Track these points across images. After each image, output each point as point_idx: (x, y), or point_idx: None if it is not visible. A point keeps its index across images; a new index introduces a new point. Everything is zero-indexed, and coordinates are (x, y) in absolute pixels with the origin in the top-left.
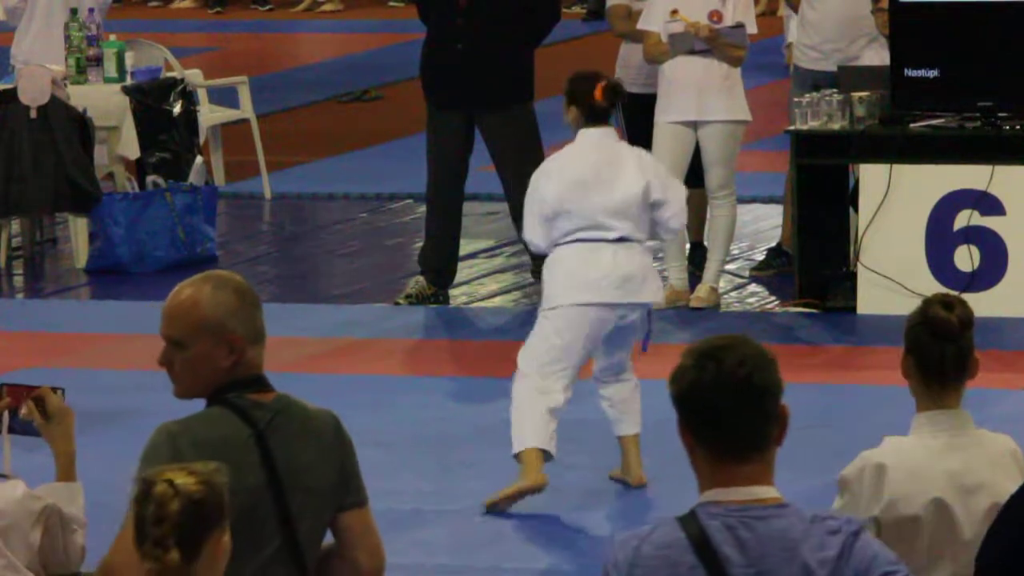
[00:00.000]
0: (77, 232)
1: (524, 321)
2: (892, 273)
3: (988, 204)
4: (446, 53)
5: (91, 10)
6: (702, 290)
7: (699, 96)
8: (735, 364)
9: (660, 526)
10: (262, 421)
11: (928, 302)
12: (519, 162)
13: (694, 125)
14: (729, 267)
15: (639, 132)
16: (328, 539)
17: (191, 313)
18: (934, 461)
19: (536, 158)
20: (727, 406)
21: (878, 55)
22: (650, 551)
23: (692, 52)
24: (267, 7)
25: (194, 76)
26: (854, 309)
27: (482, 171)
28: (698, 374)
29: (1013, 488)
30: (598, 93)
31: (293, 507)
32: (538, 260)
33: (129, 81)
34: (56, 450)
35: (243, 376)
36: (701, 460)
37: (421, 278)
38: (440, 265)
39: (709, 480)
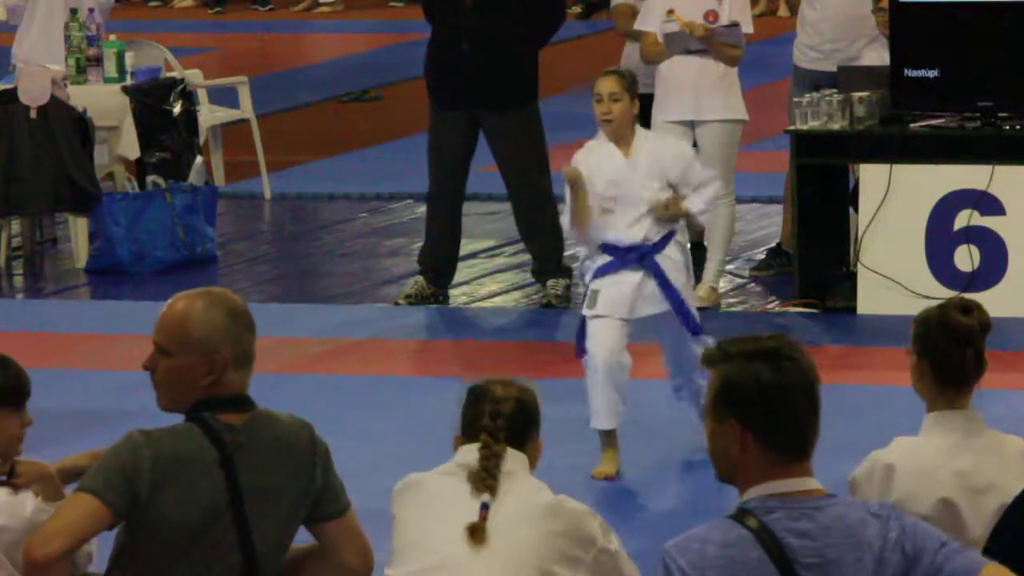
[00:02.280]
0: (77, 232)
1: (524, 321)
2: (892, 273)
3: (988, 204)
4: (451, 53)
5: (91, 10)
6: (702, 290)
7: (696, 96)
8: (808, 367)
9: (715, 526)
10: (231, 444)
11: (945, 307)
12: (523, 164)
13: (691, 125)
14: (729, 267)
15: None
16: (308, 539)
17: (181, 325)
18: (943, 461)
19: (540, 160)
20: (803, 407)
21: (878, 55)
22: (715, 551)
23: (688, 52)
24: (267, 7)
25: (194, 76)
26: (854, 309)
27: (482, 171)
28: (774, 375)
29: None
30: None
31: (255, 527)
32: (540, 261)
33: (129, 81)
34: (36, 479)
35: (222, 395)
36: (754, 459)
37: (421, 278)
38: (440, 265)
39: (760, 476)
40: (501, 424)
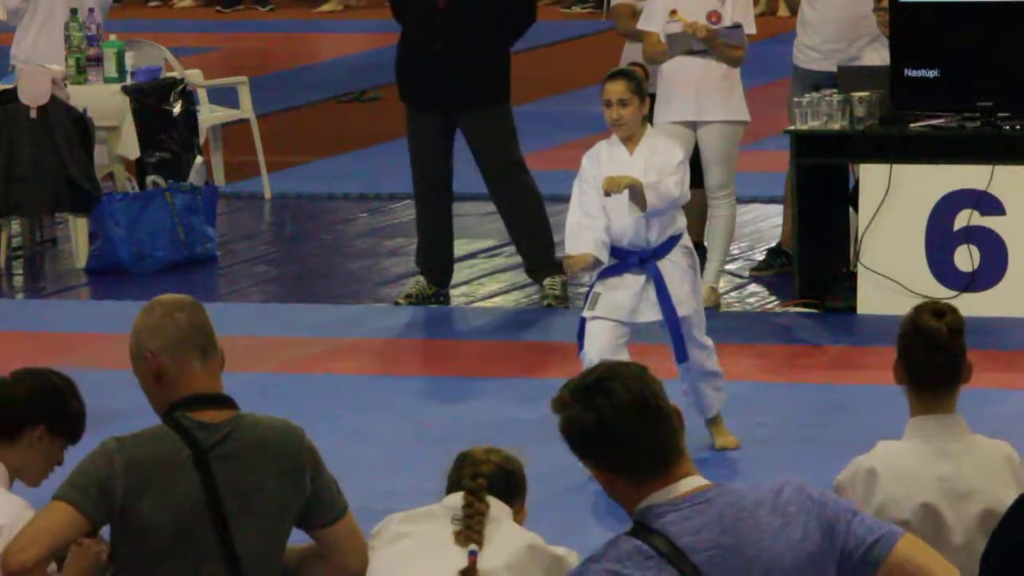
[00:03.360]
0: (77, 232)
1: (524, 321)
2: (892, 273)
3: (988, 204)
4: (424, 54)
5: (91, 10)
6: (702, 290)
7: (697, 96)
8: (623, 389)
9: (611, 544)
10: (205, 442)
11: (918, 310)
12: (505, 161)
13: (693, 125)
14: (729, 267)
15: None
16: (306, 539)
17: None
18: (925, 466)
19: (516, 156)
20: (634, 431)
21: (878, 55)
22: (613, 567)
23: (691, 52)
24: (267, 7)
25: (194, 76)
26: (854, 309)
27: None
28: (592, 413)
29: (1007, 494)
30: None
31: (236, 529)
32: (532, 260)
33: (129, 81)
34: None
35: (190, 394)
36: (626, 487)
37: (421, 278)
38: (437, 264)
39: (638, 497)
40: (481, 483)
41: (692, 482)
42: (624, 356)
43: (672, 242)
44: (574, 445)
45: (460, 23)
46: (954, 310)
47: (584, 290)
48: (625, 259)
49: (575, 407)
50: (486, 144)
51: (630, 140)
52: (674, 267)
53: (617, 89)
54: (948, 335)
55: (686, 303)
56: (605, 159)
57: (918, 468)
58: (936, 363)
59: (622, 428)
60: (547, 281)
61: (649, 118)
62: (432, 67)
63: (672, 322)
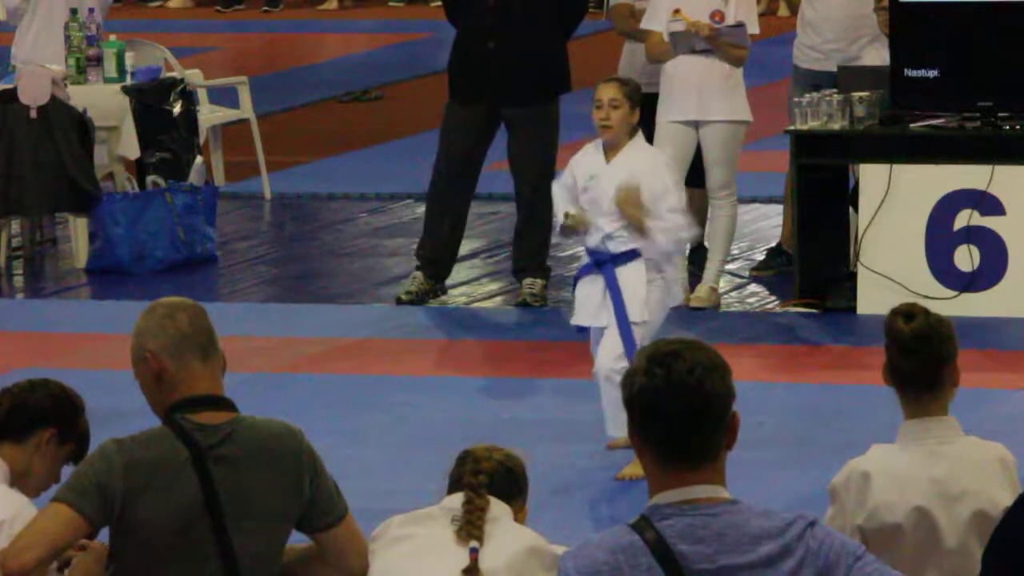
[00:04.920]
0: (77, 232)
1: (524, 321)
2: (892, 273)
3: (988, 204)
4: (477, 52)
5: (91, 10)
6: (702, 290)
7: (700, 96)
8: (685, 371)
9: (612, 532)
10: (204, 443)
11: (892, 313)
12: (536, 158)
13: (695, 125)
14: (729, 267)
15: (642, 131)
16: (304, 540)
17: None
18: (917, 469)
19: (552, 158)
20: (675, 412)
21: (878, 55)
22: (604, 556)
23: (694, 51)
24: (264, 8)
25: (194, 76)
26: (854, 309)
27: (483, 171)
28: (647, 379)
29: (1000, 495)
30: None
31: (234, 530)
32: (524, 259)
33: (129, 81)
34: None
35: (189, 395)
36: (650, 463)
37: (419, 274)
38: (435, 255)
39: (659, 483)
40: (482, 479)
41: (709, 491)
42: (625, 361)
43: (632, 255)
44: (624, 399)
45: (511, 20)
46: (927, 313)
47: (565, 293)
48: (593, 259)
49: (640, 364)
50: (526, 137)
51: (613, 148)
52: (635, 274)
53: (609, 91)
54: (913, 340)
55: (638, 310)
56: (585, 164)
57: (911, 471)
58: (909, 367)
59: (662, 404)
60: (527, 280)
61: (650, 118)
62: (484, 63)
63: (623, 323)
